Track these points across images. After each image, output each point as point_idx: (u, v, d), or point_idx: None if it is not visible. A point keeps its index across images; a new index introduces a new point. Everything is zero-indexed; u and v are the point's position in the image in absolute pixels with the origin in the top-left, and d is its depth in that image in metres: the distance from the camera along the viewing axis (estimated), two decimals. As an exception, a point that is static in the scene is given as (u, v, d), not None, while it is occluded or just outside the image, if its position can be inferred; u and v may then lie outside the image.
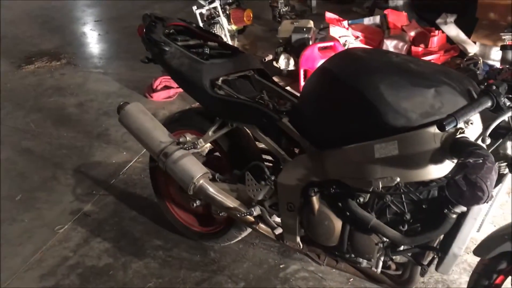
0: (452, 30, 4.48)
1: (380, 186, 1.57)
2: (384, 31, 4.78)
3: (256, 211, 2.01)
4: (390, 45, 4.44)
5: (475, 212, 1.47)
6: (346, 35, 4.43)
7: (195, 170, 2.08)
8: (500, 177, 1.54)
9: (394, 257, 1.77)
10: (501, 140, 1.47)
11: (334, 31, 4.51)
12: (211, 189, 2.07)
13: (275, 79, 4.67)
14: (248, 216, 2.04)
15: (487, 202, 1.42)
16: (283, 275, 2.31)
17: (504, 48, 1.60)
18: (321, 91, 1.78)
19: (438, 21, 4.61)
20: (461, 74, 1.64)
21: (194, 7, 4.85)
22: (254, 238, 2.54)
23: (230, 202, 2.06)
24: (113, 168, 3.31)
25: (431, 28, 4.60)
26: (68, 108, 4.28)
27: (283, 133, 1.93)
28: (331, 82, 1.73)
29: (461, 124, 1.42)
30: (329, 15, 4.73)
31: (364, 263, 1.81)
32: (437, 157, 1.46)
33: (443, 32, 4.49)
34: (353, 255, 1.81)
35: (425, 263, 1.70)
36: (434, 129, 1.45)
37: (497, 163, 1.51)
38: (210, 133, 2.12)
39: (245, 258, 2.43)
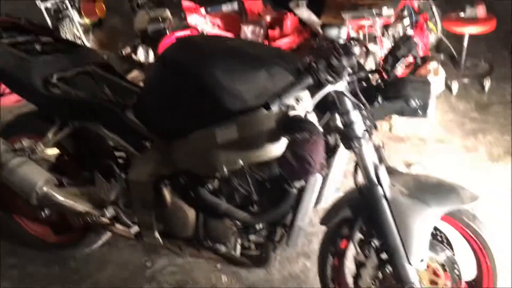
0: (304, 13, 4.71)
1: (226, 170, 1.60)
2: (242, 17, 4.87)
3: (110, 212, 1.94)
4: (247, 31, 4.54)
5: (311, 185, 1.56)
6: (203, 22, 4.43)
7: (36, 177, 1.93)
8: (335, 148, 1.65)
9: (250, 238, 1.82)
10: (328, 114, 1.58)
11: (192, 19, 4.48)
12: (58, 196, 1.93)
13: (137, 72, 4.54)
14: (102, 219, 1.95)
15: (320, 174, 1.52)
16: (150, 274, 2.26)
17: (323, 26, 1.71)
18: (161, 81, 1.75)
19: (291, 4, 4.82)
20: (292, 55, 1.73)
21: (38, 1, 4.48)
22: (119, 240, 2.45)
23: (81, 206, 1.96)
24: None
25: (285, 12, 4.79)
26: None
27: (130, 127, 1.86)
28: (169, 71, 1.71)
29: (292, 102, 1.50)
30: (186, 3, 4.68)
31: (223, 248, 1.84)
32: (273, 136, 1.51)
33: (295, 15, 4.70)
34: (210, 242, 1.83)
35: (278, 239, 1.77)
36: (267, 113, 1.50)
37: (334, 135, 1.62)
38: (50, 136, 1.98)
39: (109, 262, 2.33)
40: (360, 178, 1.59)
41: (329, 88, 1.40)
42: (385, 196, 1.55)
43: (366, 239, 1.66)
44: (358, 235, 1.69)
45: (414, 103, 1.46)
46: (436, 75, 3.83)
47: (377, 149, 1.66)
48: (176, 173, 1.77)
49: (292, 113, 1.46)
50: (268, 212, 1.64)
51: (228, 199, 1.70)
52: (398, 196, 1.56)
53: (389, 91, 1.53)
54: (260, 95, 1.54)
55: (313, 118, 1.58)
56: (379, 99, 1.55)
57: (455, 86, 3.94)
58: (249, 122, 1.53)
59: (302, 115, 1.50)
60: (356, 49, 1.57)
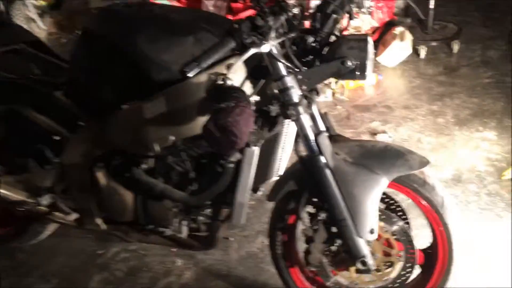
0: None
1: (158, 148, 1.50)
2: (204, -10, 4.71)
3: (46, 199, 1.82)
4: (209, 4, 4.40)
5: (248, 158, 1.46)
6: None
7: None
8: (275, 118, 1.55)
9: (198, 219, 1.73)
10: (263, 81, 1.48)
11: (150, -6, 4.31)
12: (-11, 187, 1.82)
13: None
14: (39, 207, 1.85)
15: (249, 146, 1.43)
16: (101, 261, 2.17)
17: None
18: (85, 55, 1.64)
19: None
20: (224, 18, 1.61)
21: (-15, -17, 4.27)
22: (69, 230, 2.33)
23: (14, 195, 1.85)
24: None
25: (248, -18, 4.63)
26: None
27: (61, 108, 1.75)
28: (91, 44, 1.59)
29: (222, 69, 1.40)
30: (143, -22, 4.50)
31: (168, 231, 1.74)
32: (205, 108, 1.41)
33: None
34: (153, 226, 1.73)
35: (223, 218, 1.68)
36: (197, 79, 1.40)
37: (277, 106, 1.51)
38: (-27, 121, 1.85)
39: (59, 252, 2.23)
40: (302, 148, 1.50)
41: (253, 50, 1.29)
42: (328, 166, 1.46)
43: (314, 213, 1.59)
44: (306, 209, 1.61)
45: (350, 63, 1.36)
46: (402, 40, 3.75)
47: (323, 116, 1.57)
48: (109, 154, 1.66)
49: (223, 82, 1.35)
50: (206, 191, 1.54)
51: (165, 179, 1.61)
52: (342, 165, 1.48)
53: (325, 52, 1.42)
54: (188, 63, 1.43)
55: (247, 86, 1.48)
56: (316, 61, 1.45)
57: (423, 50, 3.84)
58: (178, 93, 1.44)
59: (236, 83, 1.40)
60: (295, 9, 1.47)
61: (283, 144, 1.68)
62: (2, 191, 1.83)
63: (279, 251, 1.71)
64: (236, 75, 1.43)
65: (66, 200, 1.86)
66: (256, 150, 1.46)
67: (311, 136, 1.45)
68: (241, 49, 1.30)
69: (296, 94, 1.41)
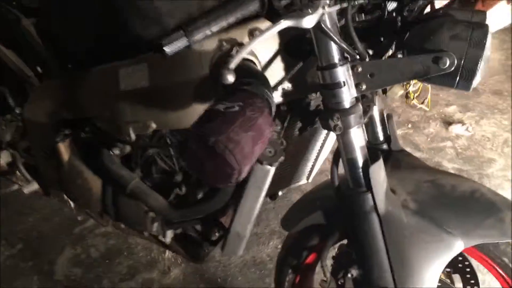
0: None
1: (133, 134, 1.04)
2: None
3: (3, 156, 1.43)
4: None
5: (257, 177, 0.98)
6: None
7: None
8: (313, 114, 1.06)
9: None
10: (301, 63, 0.96)
11: None
12: None
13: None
14: (-4, 163, 1.47)
15: (265, 164, 0.96)
16: (78, 232, 1.82)
17: None
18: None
19: None
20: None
21: None
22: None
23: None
24: None
25: None
26: None
27: (30, 45, 1.30)
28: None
29: (241, 36, 0.90)
30: None
31: (146, 232, 1.33)
32: (205, 93, 0.93)
33: None
34: (126, 224, 1.32)
35: (214, 239, 1.24)
36: (199, 45, 0.90)
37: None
38: None
39: (31, 209, 1.88)
40: (342, 171, 1.00)
41: (286, 23, 0.76)
42: (376, 210, 0.96)
43: (342, 263, 1.11)
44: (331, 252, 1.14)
45: (449, 62, 0.81)
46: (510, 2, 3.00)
47: (384, 120, 1.07)
48: (78, 121, 1.22)
49: (237, 57, 0.84)
50: (193, 206, 1.09)
51: (144, 174, 1.16)
52: (399, 212, 0.98)
53: (409, 38, 0.87)
54: (189, 20, 0.93)
55: (277, 67, 0.97)
56: (390, 48, 0.91)
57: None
58: (164, 62, 0.94)
59: (258, 60, 0.90)
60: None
61: (321, 143, 1.21)
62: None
63: (287, 293, 1.26)
64: (262, 47, 0.93)
65: (29, 163, 1.46)
66: (271, 170, 0.97)
67: (358, 160, 0.95)
68: (269, 14, 0.78)
69: (348, 95, 0.89)
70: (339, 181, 1.01)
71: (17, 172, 1.51)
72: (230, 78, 0.72)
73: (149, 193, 1.13)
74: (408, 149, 1.18)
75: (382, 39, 0.94)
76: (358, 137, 0.93)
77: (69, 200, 1.44)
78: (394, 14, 0.89)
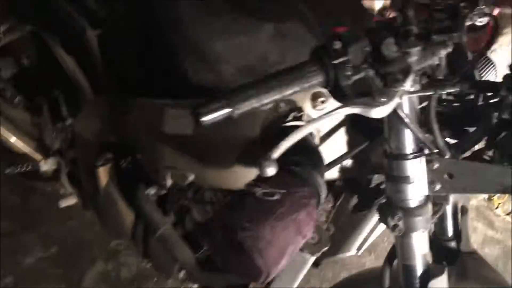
0: None
1: (169, 180, 0.96)
2: None
3: (48, 163, 1.41)
4: None
5: (295, 264, 0.86)
6: None
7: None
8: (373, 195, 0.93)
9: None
10: (367, 143, 0.82)
11: None
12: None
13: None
14: (42, 169, 1.45)
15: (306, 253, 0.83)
16: (114, 245, 1.78)
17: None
18: (127, 8, 1.10)
19: None
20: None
21: None
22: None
23: (19, 145, 1.46)
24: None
25: None
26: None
27: (90, 57, 1.26)
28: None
29: (302, 100, 0.79)
30: None
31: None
32: (253, 154, 0.83)
33: None
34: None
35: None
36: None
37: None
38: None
39: (71, 215, 1.86)
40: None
41: (351, 110, 0.63)
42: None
43: None
44: None
45: None
46: None
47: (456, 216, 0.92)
48: (122, 149, 1.16)
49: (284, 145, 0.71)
50: (220, 272, 0.99)
51: (177, 220, 1.08)
52: None
53: (505, 140, 0.71)
54: (249, 68, 0.83)
55: (337, 141, 0.84)
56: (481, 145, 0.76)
57: None
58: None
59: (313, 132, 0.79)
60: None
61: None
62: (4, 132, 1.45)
63: None
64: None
65: (74, 174, 1.43)
66: (310, 260, 0.84)
67: (418, 271, 0.80)
68: (334, 92, 0.65)
69: (417, 193, 0.75)
70: (391, 284, 0.87)
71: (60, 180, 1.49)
72: (271, 171, 0.60)
73: (178, 244, 1.04)
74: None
75: (469, 130, 0.79)
76: (420, 243, 0.78)
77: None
78: (489, 108, 0.73)
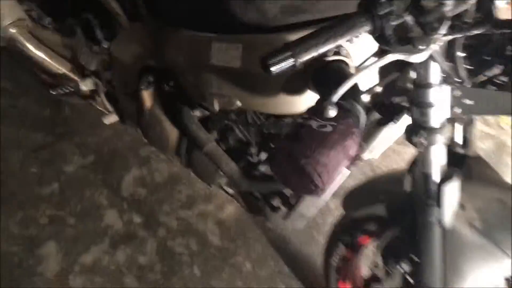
0: None
1: (217, 106, 1.09)
2: None
3: (87, 83, 1.52)
4: None
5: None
6: None
7: (5, 14, 1.50)
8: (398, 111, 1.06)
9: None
10: (397, 74, 0.95)
11: None
12: (27, 44, 1.52)
13: None
14: (80, 87, 1.56)
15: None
16: (145, 154, 1.94)
17: None
18: None
19: None
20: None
21: None
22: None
23: (55, 66, 1.55)
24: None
25: None
26: None
27: None
28: None
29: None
30: None
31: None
32: (294, 84, 0.95)
33: None
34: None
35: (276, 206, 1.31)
36: (293, 37, 0.90)
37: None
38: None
39: (105, 125, 2.00)
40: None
41: (395, 57, 0.75)
42: (441, 225, 1.00)
43: (393, 254, 1.17)
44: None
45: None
46: None
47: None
48: (163, 73, 1.27)
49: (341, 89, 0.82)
50: (263, 181, 1.16)
51: (220, 137, 1.22)
52: (465, 231, 1.01)
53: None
54: (292, 10, 0.93)
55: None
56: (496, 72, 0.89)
57: None
58: (260, 47, 0.95)
59: (350, 65, 0.90)
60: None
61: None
62: (40, 56, 1.54)
63: (335, 263, 1.35)
64: (358, 49, 0.92)
65: (110, 94, 1.54)
66: (347, 173, 1.00)
67: (434, 177, 0.97)
68: (380, 39, 0.76)
69: (440, 116, 0.89)
70: (410, 187, 1.04)
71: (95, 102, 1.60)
72: (332, 113, 0.74)
73: (223, 157, 1.19)
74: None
75: (486, 58, 0.91)
76: (438, 155, 0.94)
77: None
78: (505, 41, 0.85)
